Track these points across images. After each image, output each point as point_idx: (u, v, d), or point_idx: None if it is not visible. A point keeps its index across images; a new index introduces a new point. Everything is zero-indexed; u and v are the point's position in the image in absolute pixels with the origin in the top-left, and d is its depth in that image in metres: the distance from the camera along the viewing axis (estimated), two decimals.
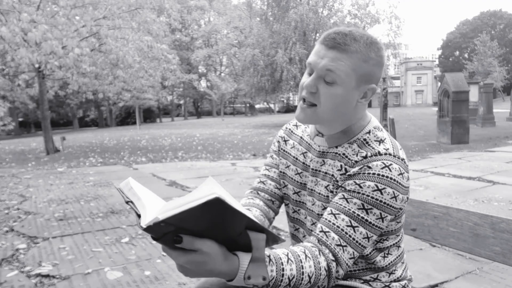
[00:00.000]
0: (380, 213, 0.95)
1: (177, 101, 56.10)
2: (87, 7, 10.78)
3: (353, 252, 0.95)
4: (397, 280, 1.12)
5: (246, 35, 32.20)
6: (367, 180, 0.94)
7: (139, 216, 0.73)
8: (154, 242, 3.43)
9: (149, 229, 0.69)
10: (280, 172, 1.22)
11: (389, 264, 1.09)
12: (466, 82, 11.15)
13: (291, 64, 24.40)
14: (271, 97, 33.97)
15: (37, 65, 10.07)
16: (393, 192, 0.94)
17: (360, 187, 0.95)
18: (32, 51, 8.82)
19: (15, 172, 8.01)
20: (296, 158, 1.18)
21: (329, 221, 0.96)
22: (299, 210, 1.18)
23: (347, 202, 0.96)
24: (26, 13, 8.66)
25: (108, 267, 2.80)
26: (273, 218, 1.22)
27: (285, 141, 1.24)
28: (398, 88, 61.51)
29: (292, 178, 1.18)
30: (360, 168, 0.96)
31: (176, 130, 24.64)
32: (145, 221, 0.69)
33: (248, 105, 57.65)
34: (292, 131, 1.23)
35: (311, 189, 1.12)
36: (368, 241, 0.96)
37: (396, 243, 1.11)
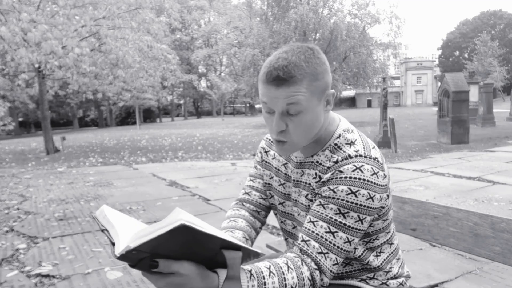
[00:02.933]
0: (358, 216, 0.95)
1: (177, 101, 56.13)
2: (87, 7, 10.77)
3: (336, 258, 0.95)
4: (394, 277, 1.12)
5: (246, 35, 32.17)
6: (339, 184, 0.94)
7: (113, 244, 0.75)
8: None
9: (122, 257, 0.71)
10: (266, 183, 1.23)
11: (383, 262, 1.09)
12: (466, 82, 11.14)
13: None
14: None
15: (37, 65, 10.07)
16: (368, 193, 0.94)
17: (334, 192, 0.95)
18: (32, 51, 8.82)
19: (15, 172, 8.01)
20: (278, 169, 1.18)
21: (309, 229, 0.97)
22: (285, 220, 1.19)
23: (324, 208, 0.96)
24: (26, 13, 8.66)
25: (108, 267, 2.80)
26: (260, 228, 1.23)
27: (266, 152, 1.24)
28: (398, 88, 61.54)
29: (276, 189, 1.19)
30: (332, 174, 0.97)
31: (176, 130, 24.64)
32: (119, 249, 0.71)
33: (248, 105, 57.67)
34: (272, 142, 1.23)
35: (296, 200, 1.12)
36: (350, 245, 0.96)
37: (388, 240, 1.11)
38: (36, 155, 12.64)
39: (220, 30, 47.88)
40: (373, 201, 0.95)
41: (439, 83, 14.97)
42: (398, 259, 1.15)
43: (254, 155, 10.17)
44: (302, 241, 0.96)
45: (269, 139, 1.25)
